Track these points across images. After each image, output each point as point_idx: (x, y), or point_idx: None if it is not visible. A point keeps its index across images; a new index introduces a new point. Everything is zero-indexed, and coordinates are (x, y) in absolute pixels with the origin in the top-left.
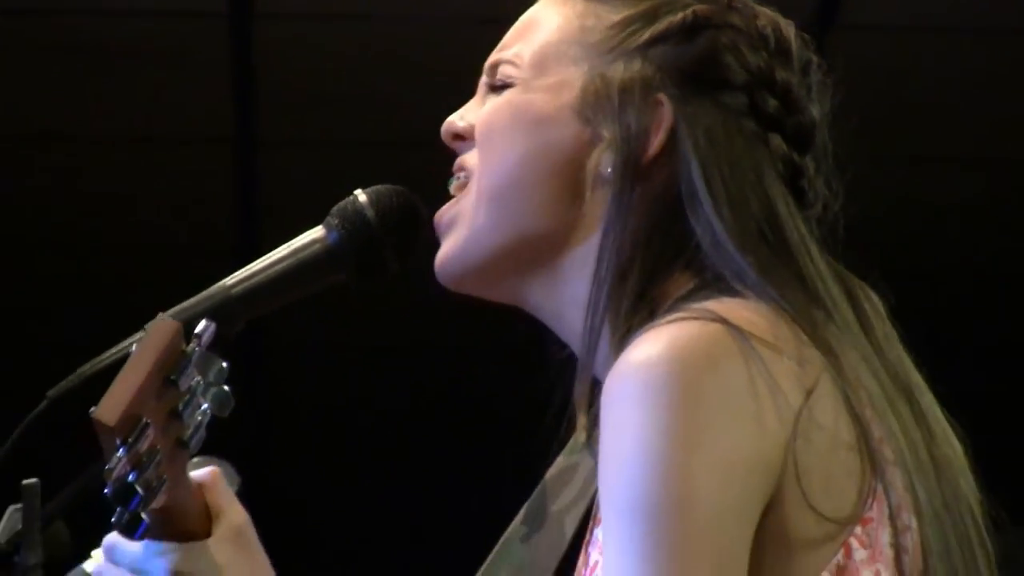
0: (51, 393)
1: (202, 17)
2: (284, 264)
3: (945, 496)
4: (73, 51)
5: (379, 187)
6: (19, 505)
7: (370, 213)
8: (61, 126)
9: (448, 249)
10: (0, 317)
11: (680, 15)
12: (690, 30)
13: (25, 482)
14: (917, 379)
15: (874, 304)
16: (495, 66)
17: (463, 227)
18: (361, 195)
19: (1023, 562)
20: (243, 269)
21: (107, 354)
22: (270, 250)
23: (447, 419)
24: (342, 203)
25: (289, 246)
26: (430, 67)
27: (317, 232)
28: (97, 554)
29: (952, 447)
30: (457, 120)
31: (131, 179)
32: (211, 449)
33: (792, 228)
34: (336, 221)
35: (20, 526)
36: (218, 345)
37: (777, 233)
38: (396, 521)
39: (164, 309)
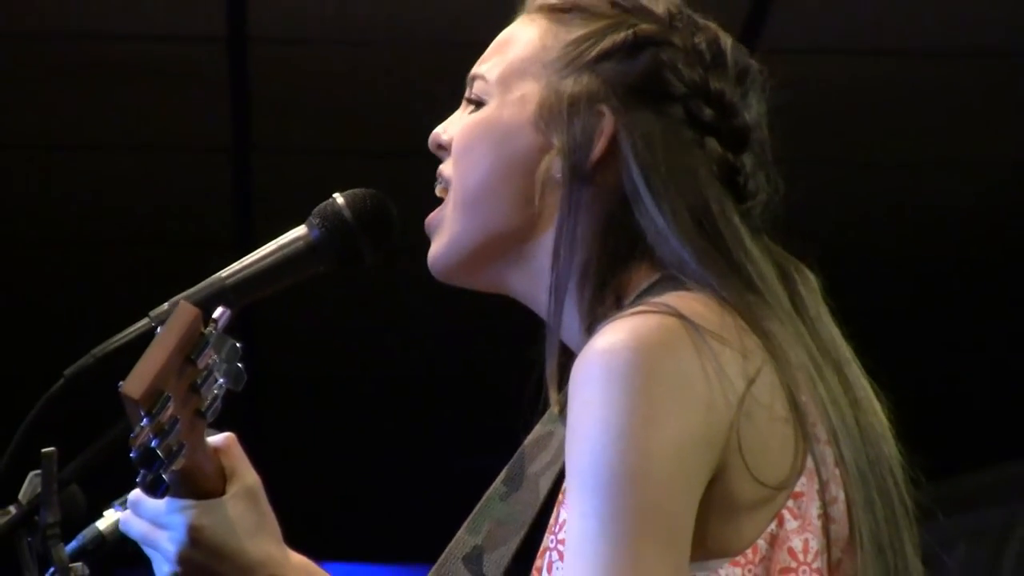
0: (67, 372)
1: (203, 41)
2: (272, 258)
3: (868, 457)
4: (90, 69)
5: (355, 190)
6: (39, 471)
7: (347, 213)
8: (78, 137)
9: (434, 250)
10: (21, 313)
11: (623, 35)
12: (632, 48)
13: (44, 450)
14: (846, 352)
15: (808, 283)
16: (473, 79)
17: (445, 232)
18: (339, 197)
19: (937, 515)
20: (236, 263)
21: (117, 337)
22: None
23: (441, 392)
24: (322, 204)
25: (276, 242)
26: (407, 85)
27: (301, 230)
28: (110, 513)
29: (876, 414)
30: (441, 133)
31: (139, 184)
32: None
33: (724, 221)
34: (317, 220)
35: (40, 489)
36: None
37: (711, 226)
38: (391, 480)
39: (167, 299)
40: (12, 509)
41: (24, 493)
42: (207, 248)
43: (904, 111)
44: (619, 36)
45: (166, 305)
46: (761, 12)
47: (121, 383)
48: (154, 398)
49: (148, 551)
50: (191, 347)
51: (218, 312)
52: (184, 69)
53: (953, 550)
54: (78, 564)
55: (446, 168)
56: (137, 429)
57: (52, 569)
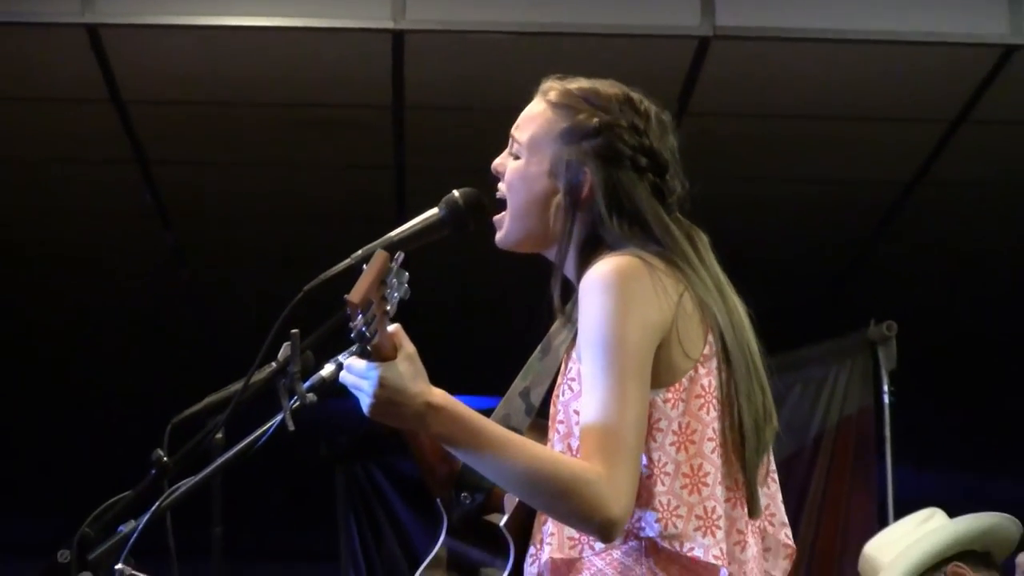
0: (306, 287)
1: (371, 108)
2: (418, 226)
3: (741, 343)
4: (298, 124)
5: (466, 188)
6: (288, 343)
7: (460, 201)
8: (293, 164)
9: (499, 235)
10: (272, 274)
11: (592, 124)
12: (597, 132)
13: (292, 331)
14: (723, 279)
15: (703, 239)
16: (512, 138)
17: (504, 228)
18: (456, 192)
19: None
20: (398, 228)
21: (334, 268)
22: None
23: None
24: (447, 196)
25: (420, 217)
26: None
27: (433, 210)
28: (328, 366)
29: (741, 315)
30: (498, 164)
31: (327, 194)
32: None
33: (652, 215)
34: (443, 204)
35: (289, 352)
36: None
37: (643, 224)
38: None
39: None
40: (273, 364)
41: (280, 355)
42: (375, 228)
43: (786, 154)
44: (590, 125)
45: (359, 252)
46: (690, 84)
47: (345, 295)
48: (364, 304)
49: (356, 392)
50: (384, 274)
51: (397, 255)
52: (361, 121)
53: (791, 392)
54: (310, 395)
55: (503, 188)
56: (356, 321)
57: (295, 397)
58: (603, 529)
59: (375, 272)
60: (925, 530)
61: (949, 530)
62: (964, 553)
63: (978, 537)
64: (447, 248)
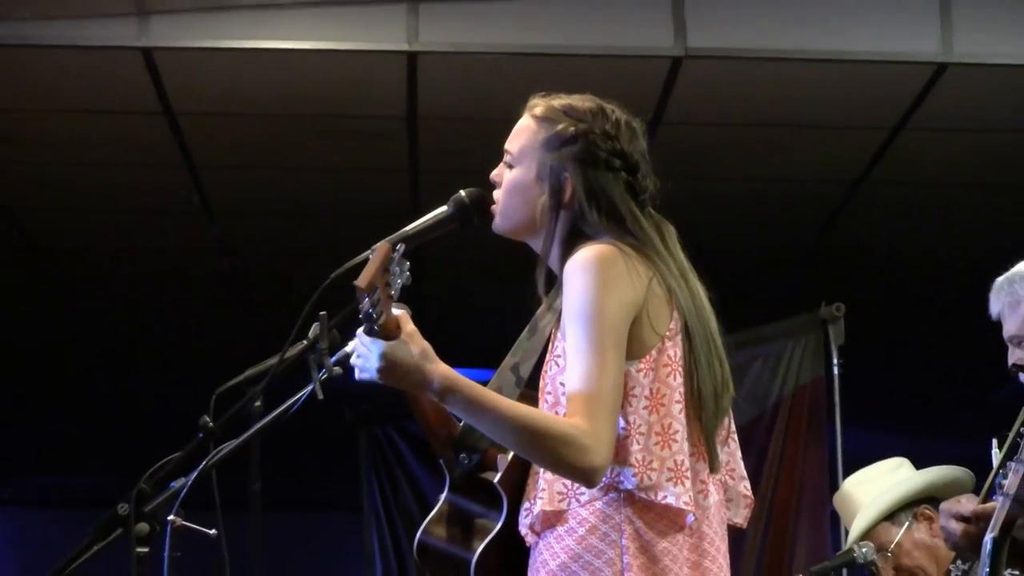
0: (333, 275)
1: (389, 119)
2: (429, 222)
3: (701, 322)
4: (325, 134)
5: (471, 189)
6: (317, 323)
7: (466, 199)
8: (316, 165)
9: (494, 224)
10: (298, 270)
11: (571, 132)
12: (575, 139)
13: (320, 312)
14: (687, 266)
15: (671, 231)
16: (506, 150)
17: (497, 219)
18: (463, 192)
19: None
20: (412, 223)
21: (353, 260)
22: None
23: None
24: (454, 195)
25: (431, 213)
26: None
27: (443, 208)
28: (352, 343)
29: (702, 298)
30: (495, 176)
31: (348, 194)
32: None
33: (626, 210)
34: (451, 202)
35: (318, 331)
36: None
37: (618, 217)
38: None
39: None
40: (304, 342)
41: (310, 333)
42: (392, 224)
43: (748, 158)
44: (568, 133)
45: (376, 245)
46: (665, 97)
47: (355, 280)
48: (371, 288)
49: (363, 364)
50: (387, 263)
51: (399, 247)
52: (380, 131)
53: (753, 364)
54: (336, 368)
55: (498, 194)
56: (363, 303)
57: (323, 369)
58: (587, 474)
59: (379, 261)
60: (899, 476)
61: (923, 477)
62: (929, 498)
63: (943, 486)
64: (454, 243)
